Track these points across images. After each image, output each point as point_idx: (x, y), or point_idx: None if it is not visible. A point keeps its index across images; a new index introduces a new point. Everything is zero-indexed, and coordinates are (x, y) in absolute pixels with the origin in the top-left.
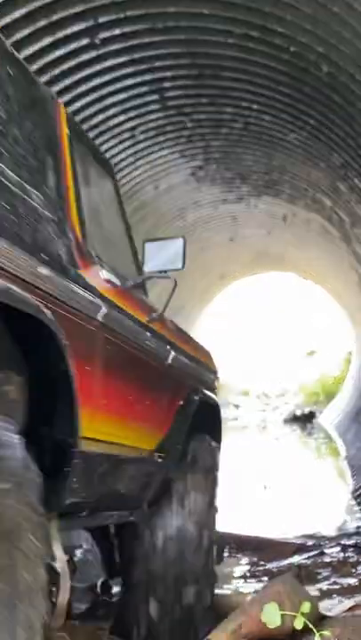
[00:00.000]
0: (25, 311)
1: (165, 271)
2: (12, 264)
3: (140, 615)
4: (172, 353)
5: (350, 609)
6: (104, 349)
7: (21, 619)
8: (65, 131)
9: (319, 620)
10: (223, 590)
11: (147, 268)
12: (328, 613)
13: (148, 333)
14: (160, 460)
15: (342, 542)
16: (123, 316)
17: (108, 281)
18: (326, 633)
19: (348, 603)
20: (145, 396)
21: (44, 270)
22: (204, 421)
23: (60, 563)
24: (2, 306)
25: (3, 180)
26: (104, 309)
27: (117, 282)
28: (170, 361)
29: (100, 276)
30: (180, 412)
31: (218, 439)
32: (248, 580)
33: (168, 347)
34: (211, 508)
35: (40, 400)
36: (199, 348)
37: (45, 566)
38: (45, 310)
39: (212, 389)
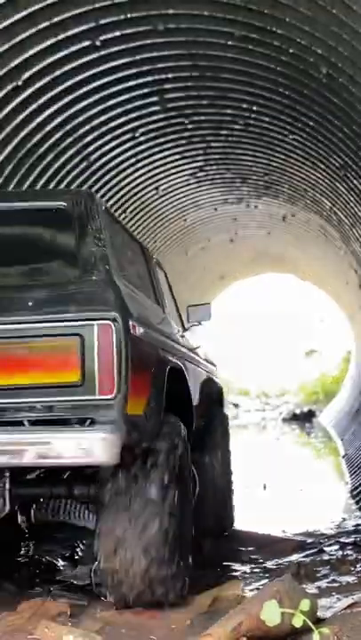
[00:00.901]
0: (178, 369)
1: (200, 322)
2: (170, 347)
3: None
4: (202, 362)
5: (349, 607)
6: (189, 369)
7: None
8: (154, 262)
9: (318, 618)
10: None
11: (189, 321)
12: (327, 611)
13: (195, 355)
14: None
15: (341, 540)
16: (191, 352)
17: (180, 334)
18: (325, 631)
19: (347, 600)
20: (199, 388)
21: (180, 348)
22: (219, 398)
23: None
24: (170, 367)
25: (146, 302)
26: (190, 354)
27: (181, 332)
28: (203, 367)
29: (179, 334)
30: (208, 393)
31: (224, 408)
32: (248, 578)
33: (201, 359)
34: (229, 455)
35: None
36: (207, 354)
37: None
38: (183, 365)
39: (216, 376)
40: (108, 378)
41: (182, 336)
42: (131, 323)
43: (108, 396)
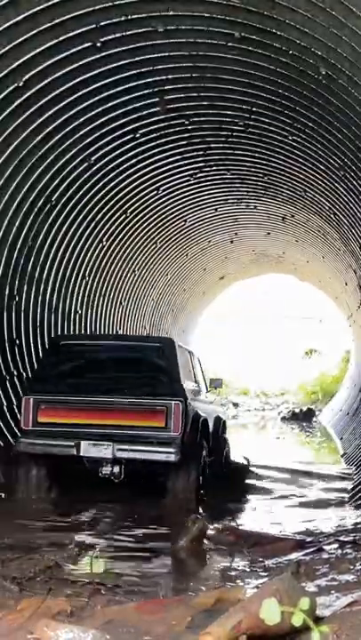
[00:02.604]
0: (204, 419)
1: (216, 387)
2: (201, 409)
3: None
4: (214, 408)
5: (348, 605)
6: (209, 417)
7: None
8: (194, 356)
9: (317, 616)
10: (222, 587)
11: (209, 387)
12: (326, 610)
13: (213, 402)
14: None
15: (340, 539)
16: (210, 404)
17: (205, 394)
18: (325, 629)
19: (347, 599)
20: (213, 424)
21: (204, 405)
22: (223, 427)
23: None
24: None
25: (191, 385)
26: (208, 406)
27: (205, 392)
28: (214, 411)
29: (204, 394)
30: (217, 425)
31: (225, 432)
32: (247, 577)
33: (215, 407)
34: (226, 442)
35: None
36: (219, 399)
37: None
38: (206, 416)
39: (222, 413)
40: (177, 426)
41: (207, 395)
42: (187, 402)
43: (176, 434)
